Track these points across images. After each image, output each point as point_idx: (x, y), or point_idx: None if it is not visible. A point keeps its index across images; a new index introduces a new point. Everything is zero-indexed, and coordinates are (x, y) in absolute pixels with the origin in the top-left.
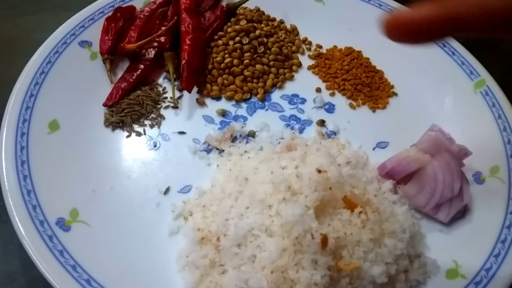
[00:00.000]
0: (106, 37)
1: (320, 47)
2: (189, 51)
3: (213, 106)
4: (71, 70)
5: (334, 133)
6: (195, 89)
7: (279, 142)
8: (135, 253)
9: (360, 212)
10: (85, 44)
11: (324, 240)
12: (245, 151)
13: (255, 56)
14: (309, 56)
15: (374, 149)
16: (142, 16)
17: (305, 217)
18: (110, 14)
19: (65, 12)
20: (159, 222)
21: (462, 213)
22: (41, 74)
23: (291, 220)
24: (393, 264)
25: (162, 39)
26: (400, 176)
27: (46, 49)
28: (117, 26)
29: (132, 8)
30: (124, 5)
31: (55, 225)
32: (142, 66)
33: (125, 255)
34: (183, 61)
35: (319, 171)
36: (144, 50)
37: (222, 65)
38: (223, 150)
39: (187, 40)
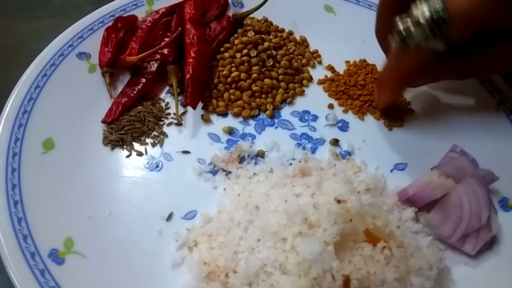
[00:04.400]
0: (106, 49)
1: (332, 68)
2: (194, 64)
3: (219, 123)
4: (68, 84)
5: (349, 154)
6: (200, 105)
7: (291, 164)
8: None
9: (383, 247)
10: (83, 56)
11: (346, 282)
12: (254, 174)
13: (263, 69)
14: (319, 81)
15: (391, 171)
16: (144, 26)
17: (325, 255)
18: (110, 24)
19: (63, 21)
20: (161, 253)
21: (490, 244)
22: (35, 88)
23: (308, 258)
24: None
25: (165, 51)
26: (422, 203)
27: (41, 61)
28: (118, 37)
29: (134, 18)
30: (125, 15)
31: (48, 257)
32: (143, 80)
33: None
34: (188, 75)
35: (338, 201)
36: (146, 63)
37: (229, 79)
38: (230, 172)
39: (191, 52)
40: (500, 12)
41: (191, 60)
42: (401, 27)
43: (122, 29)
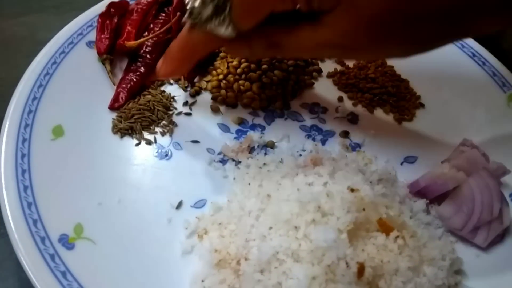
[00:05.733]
0: (103, 36)
1: (341, 60)
2: None
3: (228, 114)
4: (78, 72)
5: (359, 146)
6: (208, 95)
7: (301, 155)
8: (145, 275)
9: (396, 237)
10: (92, 44)
11: (361, 269)
12: (264, 164)
13: (273, 61)
14: (328, 74)
15: (402, 164)
16: (139, 9)
17: (338, 243)
18: (104, 10)
19: (71, 11)
20: (171, 240)
21: (501, 237)
22: (45, 75)
23: (322, 245)
24: None
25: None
26: (434, 195)
27: (51, 49)
28: (113, 23)
29: (126, 2)
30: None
31: (58, 242)
32: (144, 64)
33: (134, 277)
34: None
35: (352, 190)
36: (145, 47)
37: (239, 70)
38: (240, 162)
39: None
40: None
41: None
42: (190, 1)
43: (116, 14)
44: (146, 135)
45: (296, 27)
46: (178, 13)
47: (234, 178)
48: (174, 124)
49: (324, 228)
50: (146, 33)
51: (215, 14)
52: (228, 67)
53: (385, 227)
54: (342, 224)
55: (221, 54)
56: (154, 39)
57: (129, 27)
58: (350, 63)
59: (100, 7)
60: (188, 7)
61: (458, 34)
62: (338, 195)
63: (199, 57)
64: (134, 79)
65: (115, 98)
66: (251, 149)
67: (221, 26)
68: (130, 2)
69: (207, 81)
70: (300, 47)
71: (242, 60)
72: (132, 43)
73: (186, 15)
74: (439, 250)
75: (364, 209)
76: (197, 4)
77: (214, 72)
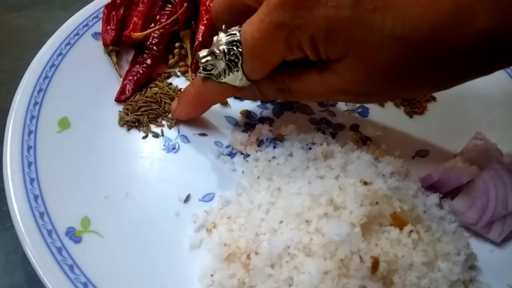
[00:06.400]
0: (109, 27)
1: None
2: (205, 32)
3: (236, 107)
4: (84, 64)
5: (369, 139)
6: None
7: (310, 148)
8: (153, 268)
9: (410, 231)
10: (98, 36)
11: (375, 264)
12: (273, 157)
13: None
14: None
15: (413, 158)
16: (145, 0)
17: (352, 237)
18: (110, 1)
19: (77, 2)
20: (179, 234)
21: None
22: (51, 67)
23: (335, 239)
24: None
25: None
26: (447, 189)
27: (57, 40)
28: (119, 14)
29: None
30: None
31: (65, 235)
32: (151, 56)
33: (142, 270)
34: (197, 42)
35: (365, 183)
36: (152, 37)
37: None
38: (248, 155)
39: (204, 19)
40: (279, 49)
41: (203, 27)
42: (201, 54)
43: (122, 5)
44: (153, 127)
45: (304, 72)
46: (185, 4)
47: (242, 172)
48: None
49: (336, 222)
50: (153, 24)
51: (228, 68)
52: None
53: (398, 221)
54: (355, 217)
55: None
56: (161, 30)
57: (135, 19)
58: None
59: None
60: (201, 62)
61: (482, 73)
62: (350, 188)
63: (213, 104)
64: (141, 71)
65: (122, 90)
66: (259, 142)
67: (235, 79)
68: None
69: None
70: (310, 93)
71: None
72: (138, 34)
73: (200, 70)
74: (454, 245)
75: (377, 203)
76: (209, 59)
77: None
